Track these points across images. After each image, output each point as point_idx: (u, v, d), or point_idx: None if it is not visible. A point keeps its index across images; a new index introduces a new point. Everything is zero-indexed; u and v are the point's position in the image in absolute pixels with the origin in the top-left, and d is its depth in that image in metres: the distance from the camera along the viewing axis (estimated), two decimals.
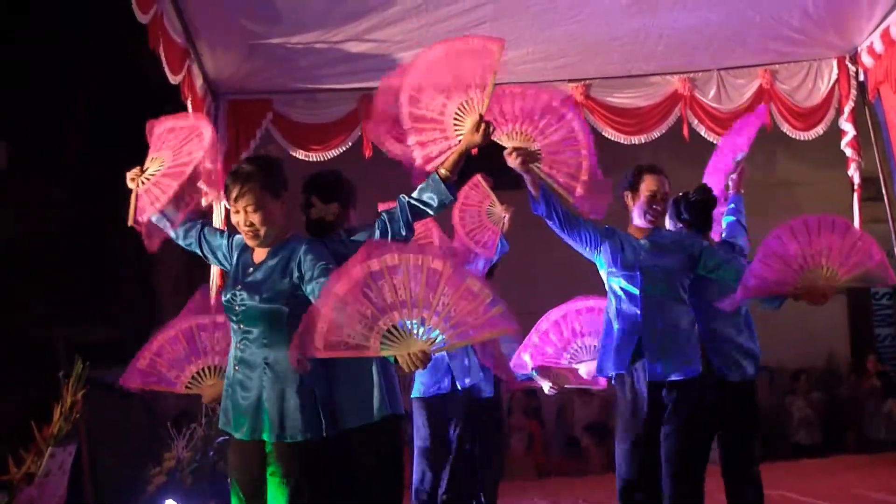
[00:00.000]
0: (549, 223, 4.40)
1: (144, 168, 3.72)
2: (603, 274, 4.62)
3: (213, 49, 6.41)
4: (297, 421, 3.31)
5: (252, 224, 3.42)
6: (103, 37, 8.79)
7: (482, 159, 4.55)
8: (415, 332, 3.06)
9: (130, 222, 3.68)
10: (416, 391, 5.16)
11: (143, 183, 3.69)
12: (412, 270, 3.05)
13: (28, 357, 8.87)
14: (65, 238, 8.91)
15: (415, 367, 3.04)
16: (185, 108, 6.24)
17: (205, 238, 3.71)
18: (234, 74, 6.83)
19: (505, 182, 5.01)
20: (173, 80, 5.77)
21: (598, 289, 4.96)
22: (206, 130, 3.74)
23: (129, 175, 3.72)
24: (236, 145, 6.99)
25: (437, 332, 3.07)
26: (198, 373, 3.95)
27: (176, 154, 3.73)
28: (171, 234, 3.73)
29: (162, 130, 3.80)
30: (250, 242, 3.51)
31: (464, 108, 3.63)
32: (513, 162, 3.98)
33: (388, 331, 3.05)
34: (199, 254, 3.75)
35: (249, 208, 3.41)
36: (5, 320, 9.35)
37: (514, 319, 3.06)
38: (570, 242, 4.55)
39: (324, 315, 3.03)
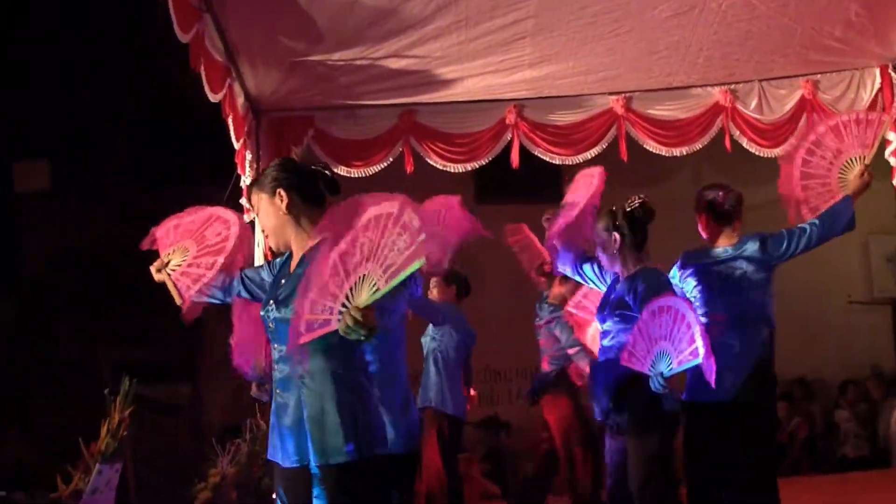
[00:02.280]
0: None
1: (166, 261, 3.84)
2: None
3: (254, 67, 6.43)
4: (339, 440, 3.03)
5: (263, 230, 3.45)
6: (147, 58, 8.90)
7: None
8: (357, 290, 2.74)
9: (178, 302, 3.79)
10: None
11: (171, 272, 3.82)
12: (373, 221, 2.77)
13: (73, 375, 8.96)
14: (107, 258, 9.00)
15: (354, 331, 2.75)
16: (225, 125, 6.29)
17: (247, 279, 3.68)
18: (275, 92, 6.85)
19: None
20: (214, 98, 5.76)
21: None
22: (226, 213, 3.94)
23: (153, 267, 3.85)
24: None
25: (374, 280, 2.72)
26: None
27: (199, 240, 3.86)
28: (215, 300, 3.80)
29: (167, 229, 3.94)
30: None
31: None
32: None
33: (346, 296, 2.75)
34: (250, 298, 3.69)
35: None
36: (50, 339, 9.47)
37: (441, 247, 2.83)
38: None
39: (309, 295, 2.82)
